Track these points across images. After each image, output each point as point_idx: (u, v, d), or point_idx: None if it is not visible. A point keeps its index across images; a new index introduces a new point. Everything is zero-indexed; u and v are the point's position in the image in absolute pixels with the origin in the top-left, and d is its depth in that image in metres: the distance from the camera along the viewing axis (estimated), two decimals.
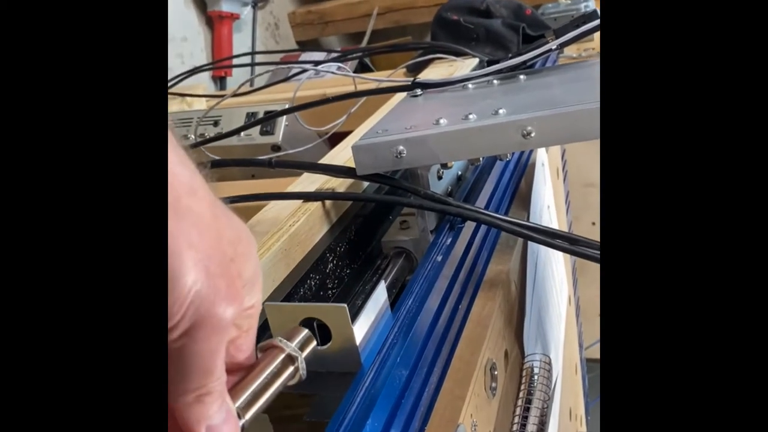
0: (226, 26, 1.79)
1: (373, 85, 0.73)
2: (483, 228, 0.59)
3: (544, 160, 0.84)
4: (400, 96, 0.72)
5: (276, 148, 0.89)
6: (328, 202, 0.54)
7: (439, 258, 0.50)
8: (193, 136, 0.93)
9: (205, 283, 0.26)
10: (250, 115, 0.94)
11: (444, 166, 0.55)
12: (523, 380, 0.59)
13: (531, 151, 0.82)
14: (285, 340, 0.33)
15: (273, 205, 0.55)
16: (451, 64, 0.96)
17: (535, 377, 0.59)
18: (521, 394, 0.57)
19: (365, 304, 0.41)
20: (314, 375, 0.37)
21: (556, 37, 0.61)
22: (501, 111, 0.50)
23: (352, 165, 0.53)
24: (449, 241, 0.53)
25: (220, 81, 1.78)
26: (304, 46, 2.06)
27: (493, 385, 0.50)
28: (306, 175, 0.60)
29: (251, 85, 1.26)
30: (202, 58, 1.76)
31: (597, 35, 0.73)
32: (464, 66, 0.92)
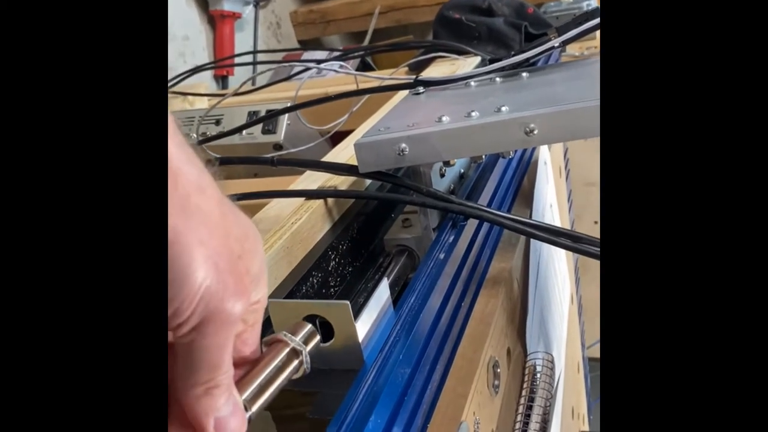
0: (227, 25, 1.79)
1: (375, 84, 0.73)
2: (485, 226, 0.59)
3: (547, 159, 0.84)
4: (402, 95, 0.72)
5: (278, 147, 0.89)
6: (330, 200, 0.54)
7: (442, 256, 0.50)
8: (195, 135, 0.93)
9: (214, 279, 0.26)
10: (252, 114, 0.94)
11: (446, 163, 0.55)
12: (526, 378, 0.59)
13: (533, 150, 0.82)
14: (289, 335, 0.33)
15: (275, 203, 0.55)
16: (453, 62, 0.96)
17: (538, 375, 0.59)
18: (524, 392, 0.57)
19: (368, 302, 0.41)
20: (317, 372, 0.37)
21: (559, 35, 0.61)
22: (503, 108, 0.49)
23: (355, 163, 0.53)
24: (452, 238, 0.53)
25: (221, 80, 1.78)
26: (306, 45, 2.06)
27: (496, 383, 0.50)
28: (308, 173, 0.60)
29: (253, 84, 1.25)
30: (204, 57, 1.76)
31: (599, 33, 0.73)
32: (466, 65, 0.92)
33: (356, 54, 1.38)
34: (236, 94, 0.97)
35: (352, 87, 0.75)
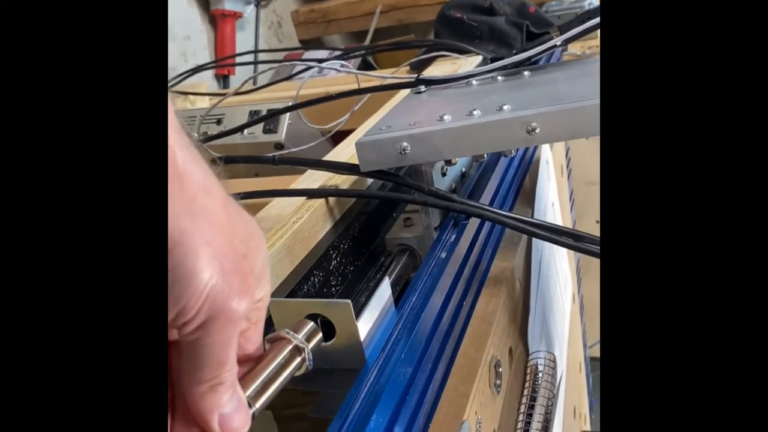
0: (229, 25, 1.79)
1: (376, 83, 0.73)
2: (487, 225, 0.59)
3: (549, 158, 0.84)
4: (404, 94, 0.72)
5: (279, 146, 0.89)
6: (331, 199, 0.54)
7: (443, 255, 0.50)
8: (196, 135, 0.93)
9: (220, 279, 0.27)
10: (253, 114, 0.94)
11: (448, 162, 0.55)
12: (528, 378, 0.59)
13: (535, 149, 0.82)
14: (292, 332, 0.34)
15: (276, 202, 0.55)
16: (454, 61, 0.96)
17: (540, 375, 0.59)
18: (526, 392, 0.57)
19: (369, 301, 0.41)
20: (318, 372, 0.37)
21: (561, 33, 0.60)
22: (505, 107, 0.49)
23: (356, 162, 0.53)
24: (453, 237, 0.52)
25: (223, 79, 1.78)
26: (307, 44, 2.06)
27: (498, 382, 0.50)
28: (309, 172, 0.60)
29: (254, 83, 1.25)
30: (205, 56, 1.76)
31: None
32: (468, 64, 0.92)
33: (357, 53, 1.38)
34: (237, 93, 0.97)
35: (354, 86, 0.75)
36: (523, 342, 0.60)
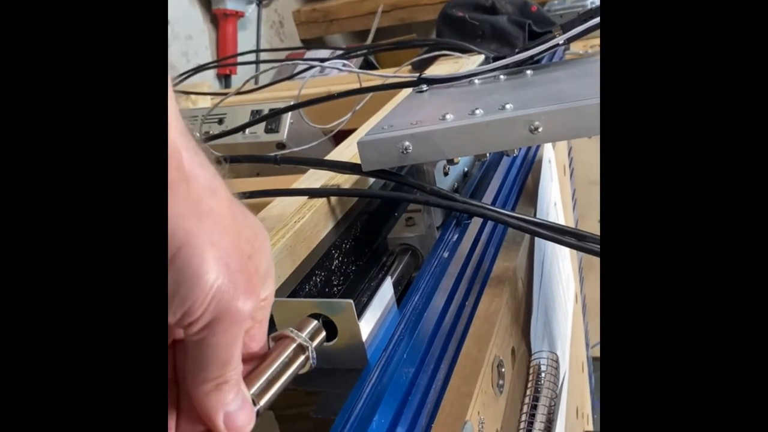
0: (230, 24, 1.79)
1: (378, 82, 0.72)
2: (489, 224, 0.59)
3: (551, 157, 0.84)
4: (405, 93, 0.71)
5: (281, 146, 0.89)
6: (333, 199, 0.54)
7: (446, 254, 0.50)
8: (197, 134, 0.93)
9: (225, 279, 0.27)
10: (255, 113, 0.94)
11: (450, 162, 0.54)
12: (531, 378, 0.58)
13: (537, 148, 0.82)
14: (296, 331, 0.34)
15: (278, 201, 0.55)
16: (456, 61, 0.95)
17: (543, 375, 0.58)
18: (528, 392, 0.57)
19: (371, 301, 0.41)
20: (320, 372, 0.37)
21: (563, 32, 0.60)
22: (508, 106, 0.49)
23: (358, 161, 0.52)
24: (456, 237, 0.52)
25: (224, 79, 1.78)
26: (309, 44, 2.06)
27: (501, 382, 0.50)
28: (311, 171, 0.60)
29: (256, 82, 1.25)
30: (207, 56, 1.76)
31: None
32: (470, 63, 0.92)
33: (359, 53, 1.38)
34: (239, 92, 0.97)
35: (355, 86, 0.75)
36: (525, 342, 0.60)
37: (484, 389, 0.45)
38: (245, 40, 1.87)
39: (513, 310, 0.57)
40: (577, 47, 1.21)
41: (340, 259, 0.52)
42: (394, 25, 1.93)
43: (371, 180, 0.58)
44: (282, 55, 1.72)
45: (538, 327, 0.62)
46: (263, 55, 1.75)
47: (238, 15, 1.80)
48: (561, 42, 0.59)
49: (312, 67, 0.93)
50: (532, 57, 0.61)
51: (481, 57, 0.93)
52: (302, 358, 0.34)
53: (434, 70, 0.95)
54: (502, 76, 0.62)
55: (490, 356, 0.48)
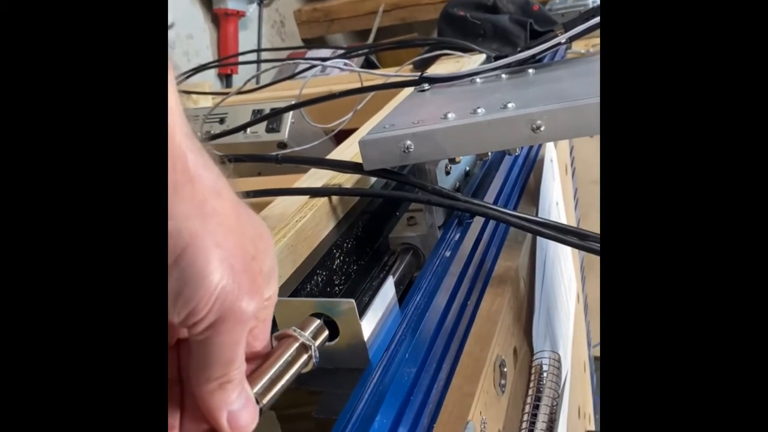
0: (231, 24, 1.78)
1: (379, 81, 0.72)
2: (491, 223, 0.59)
3: (553, 156, 0.84)
4: (407, 92, 0.71)
5: (282, 145, 0.89)
6: (334, 198, 0.54)
7: (448, 254, 0.50)
8: (198, 134, 0.92)
9: (230, 279, 0.27)
10: (256, 113, 0.94)
11: (452, 161, 0.54)
12: (533, 377, 0.58)
13: (539, 147, 0.81)
14: (299, 330, 0.34)
15: (279, 201, 0.54)
16: (457, 60, 0.95)
17: (545, 374, 0.58)
18: (530, 392, 0.57)
19: (373, 300, 0.41)
20: (322, 372, 0.37)
21: (565, 31, 0.60)
22: (510, 105, 0.49)
23: (359, 161, 0.52)
24: (457, 236, 0.52)
25: (226, 78, 1.77)
26: (310, 43, 2.06)
27: (503, 382, 0.49)
28: (312, 171, 0.60)
29: (257, 82, 1.25)
30: (208, 55, 1.76)
31: None
32: (471, 62, 0.92)
33: (360, 52, 1.38)
34: (240, 92, 0.97)
35: (357, 85, 0.75)
36: (527, 341, 0.60)
37: (486, 389, 0.45)
38: (246, 40, 1.87)
39: (515, 309, 0.57)
40: (578, 46, 1.21)
41: (342, 258, 0.52)
42: (395, 25, 1.93)
43: (373, 179, 0.58)
44: (283, 54, 1.72)
45: (540, 326, 0.61)
46: (264, 55, 1.75)
47: (239, 14, 1.80)
48: (563, 41, 0.59)
49: (313, 66, 0.93)
50: (533, 56, 0.61)
51: (483, 56, 0.93)
52: (305, 357, 0.34)
53: (436, 70, 0.95)
54: (503, 75, 0.62)
55: (492, 356, 0.48)
